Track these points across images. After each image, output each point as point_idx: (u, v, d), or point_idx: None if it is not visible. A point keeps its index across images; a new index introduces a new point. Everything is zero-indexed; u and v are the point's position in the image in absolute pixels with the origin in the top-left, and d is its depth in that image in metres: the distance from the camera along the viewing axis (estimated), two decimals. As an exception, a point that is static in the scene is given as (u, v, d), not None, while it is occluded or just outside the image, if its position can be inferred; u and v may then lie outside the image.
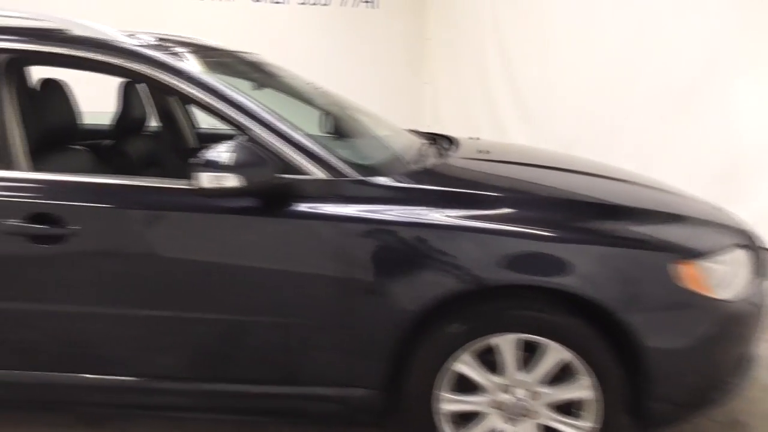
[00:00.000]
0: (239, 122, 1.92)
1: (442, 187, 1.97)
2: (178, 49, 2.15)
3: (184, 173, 3.21)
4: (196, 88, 1.94)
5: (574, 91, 5.27)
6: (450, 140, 2.71)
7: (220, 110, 1.93)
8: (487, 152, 2.51)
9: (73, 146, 2.47)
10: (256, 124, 1.92)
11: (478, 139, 2.83)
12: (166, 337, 1.99)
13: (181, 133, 3.36)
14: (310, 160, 1.91)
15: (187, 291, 1.93)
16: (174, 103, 3.32)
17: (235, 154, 1.77)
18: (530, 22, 5.80)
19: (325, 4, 6.94)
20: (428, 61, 7.44)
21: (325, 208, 1.86)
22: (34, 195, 1.93)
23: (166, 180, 1.96)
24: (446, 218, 1.84)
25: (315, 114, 2.62)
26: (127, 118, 2.87)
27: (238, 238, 1.89)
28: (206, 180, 1.76)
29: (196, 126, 3.45)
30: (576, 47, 5.22)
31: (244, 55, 2.70)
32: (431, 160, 2.26)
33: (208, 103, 1.93)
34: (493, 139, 5.10)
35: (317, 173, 1.90)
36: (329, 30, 6.90)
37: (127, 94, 2.85)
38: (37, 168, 2.06)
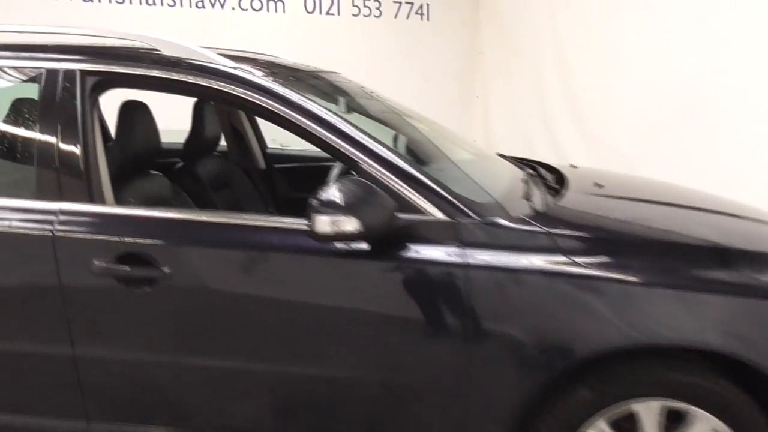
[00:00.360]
0: (352, 155, 1.73)
1: (577, 232, 1.75)
2: (274, 72, 1.98)
3: (255, 196, 3.09)
4: (305, 117, 1.75)
5: (639, 108, 5.01)
6: (549, 169, 2.50)
7: (332, 141, 1.74)
8: (602, 186, 2.29)
9: (153, 172, 2.32)
10: (369, 157, 1.73)
11: (575, 167, 2.61)
12: (262, 393, 1.80)
13: (250, 154, 3.20)
14: (427, 198, 1.71)
15: (289, 342, 1.75)
16: (243, 123, 3.16)
17: (351, 194, 1.58)
18: (592, 35, 5.56)
19: (377, 16, 6.81)
20: (480, 75, 7.25)
21: (448, 254, 1.66)
22: (124, 233, 1.77)
23: (272, 219, 1.78)
24: (586, 269, 1.63)
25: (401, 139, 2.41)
26: (200, 138, 2.72)
27: (351, 285, 1.70)
28: (324, 224, 1.57)
29: (266, 147, 3.29)
30: (642, 62, 4.96)
31: (327, 74, 2.52)
32: (547, 196, 2.05)
33: (319, 133, 1.75)
34: (551, 157, 4.87)
35: (435, 213, 1.71)
36: (381, 41, 6.76)
37: (200, 113, 2.70)
38: (118, 198, 1.90)
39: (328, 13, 6.57)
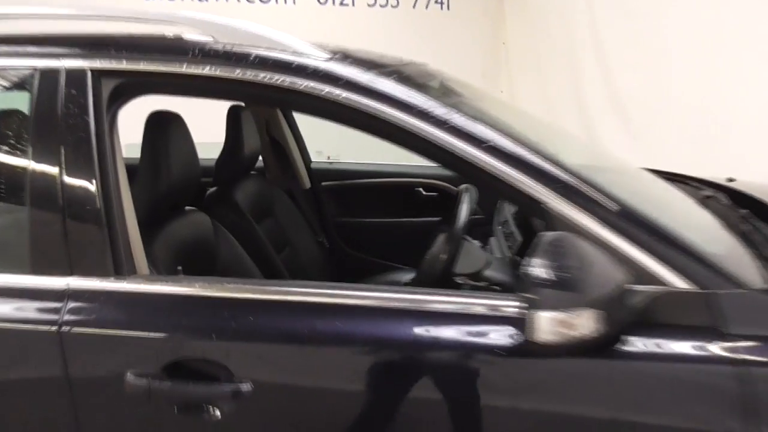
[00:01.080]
0: (535, 193, 1.08)
1: None
2: (377, 67, 1.33)
3: (302, 224, 2.45)
4: (457, 137, 1.11)
5: (692, 102, 4.41)
6: (706, 183, 1.89)
7: (504, 174, 1.09)
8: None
9: (188, 208, 1.68)
10: (566, 195, 1.09)
11: (733, 179, 2.00)
12: None
13: (293, 172, 2.56)
14: (663, 258, 1.06)
15: None
16: (285, 133, 2.51)
17: (568, 267, 0.93)
18: (635, 22, 4.98)
19: (394, 6, 6.33)
20: (504, 68, 6.70)
21: (708, 344, 1.02)
22: (174, 326, 1.12)
23: (431, 296, 1.10)
24: None
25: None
26: (237, 155, 2.07)
27: (563, 397, 1.06)
28: (547, 327, 0.91)
29: (310, 161, 2.64)
30: (695, 49, 4.36)
31: (420, 67, 1.87)
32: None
33: (485, 164, 1.10)
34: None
35: (675, 281, 1.07)
36: (398, 33, 6.29)
37: (236, 124, 2.05)
38: (149, 254, 1.26)
39: (342, 4, 6.12)
